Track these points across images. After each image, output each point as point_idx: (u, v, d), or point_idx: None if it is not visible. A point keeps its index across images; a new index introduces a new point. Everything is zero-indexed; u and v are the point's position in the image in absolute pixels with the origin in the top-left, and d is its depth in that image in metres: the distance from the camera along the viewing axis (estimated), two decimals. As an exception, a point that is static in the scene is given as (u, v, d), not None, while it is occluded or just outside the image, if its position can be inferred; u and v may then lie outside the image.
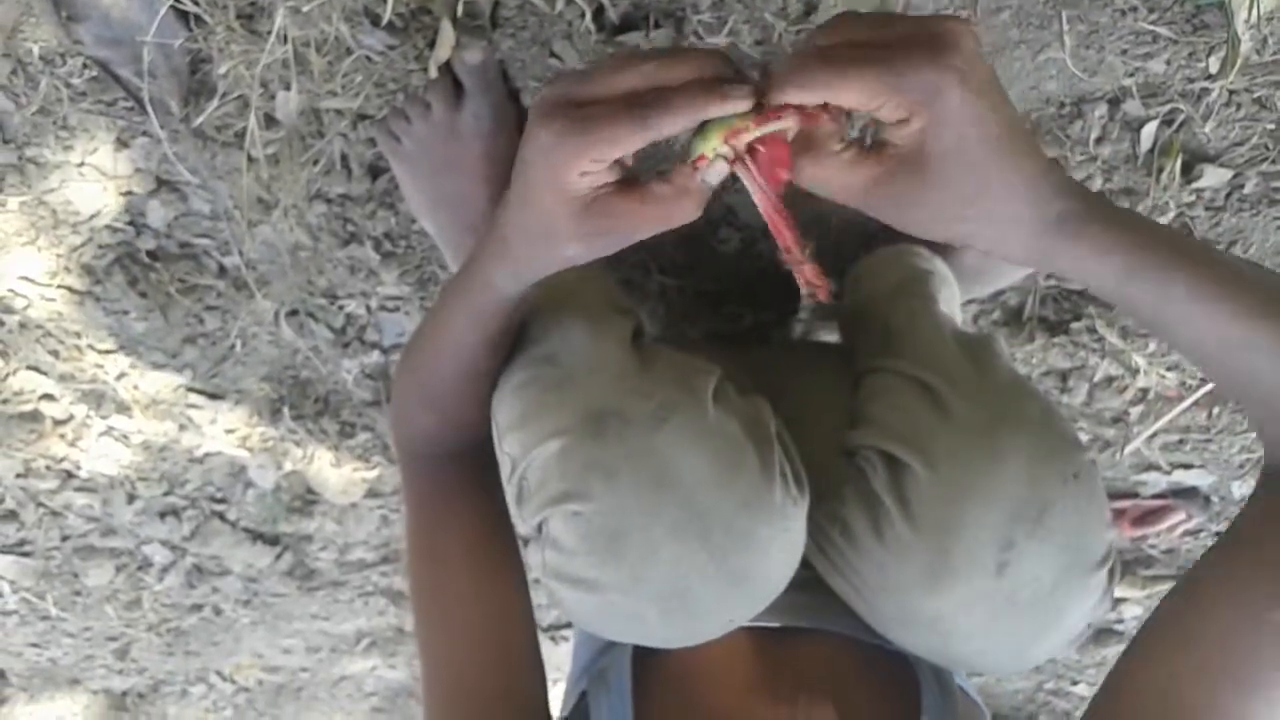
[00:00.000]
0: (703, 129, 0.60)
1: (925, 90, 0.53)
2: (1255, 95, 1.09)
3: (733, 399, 0.77)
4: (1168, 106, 1.10)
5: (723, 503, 0.70)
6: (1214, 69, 1.06)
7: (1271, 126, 1.12)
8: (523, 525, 0.76)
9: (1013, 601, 0.73)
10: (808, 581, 0.80)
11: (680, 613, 0.72)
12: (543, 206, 0.63)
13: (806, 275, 0.62)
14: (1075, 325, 1.35)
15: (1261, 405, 0.64)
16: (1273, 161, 1.15)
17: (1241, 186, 1.18)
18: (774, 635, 0.85)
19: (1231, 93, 1.09)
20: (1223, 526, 1.68)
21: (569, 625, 1.93)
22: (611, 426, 0.71)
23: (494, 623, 0.87)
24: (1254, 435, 1.50)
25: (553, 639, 1.98)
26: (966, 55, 0.53)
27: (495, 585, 0.89)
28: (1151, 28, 1.03)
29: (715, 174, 0.62)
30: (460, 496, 0.92)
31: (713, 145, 0.60)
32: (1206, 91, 1.09)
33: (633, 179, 0.63)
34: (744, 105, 0.57)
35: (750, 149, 0.60)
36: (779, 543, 0.72)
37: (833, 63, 0.54)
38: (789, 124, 0.59)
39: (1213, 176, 1.16)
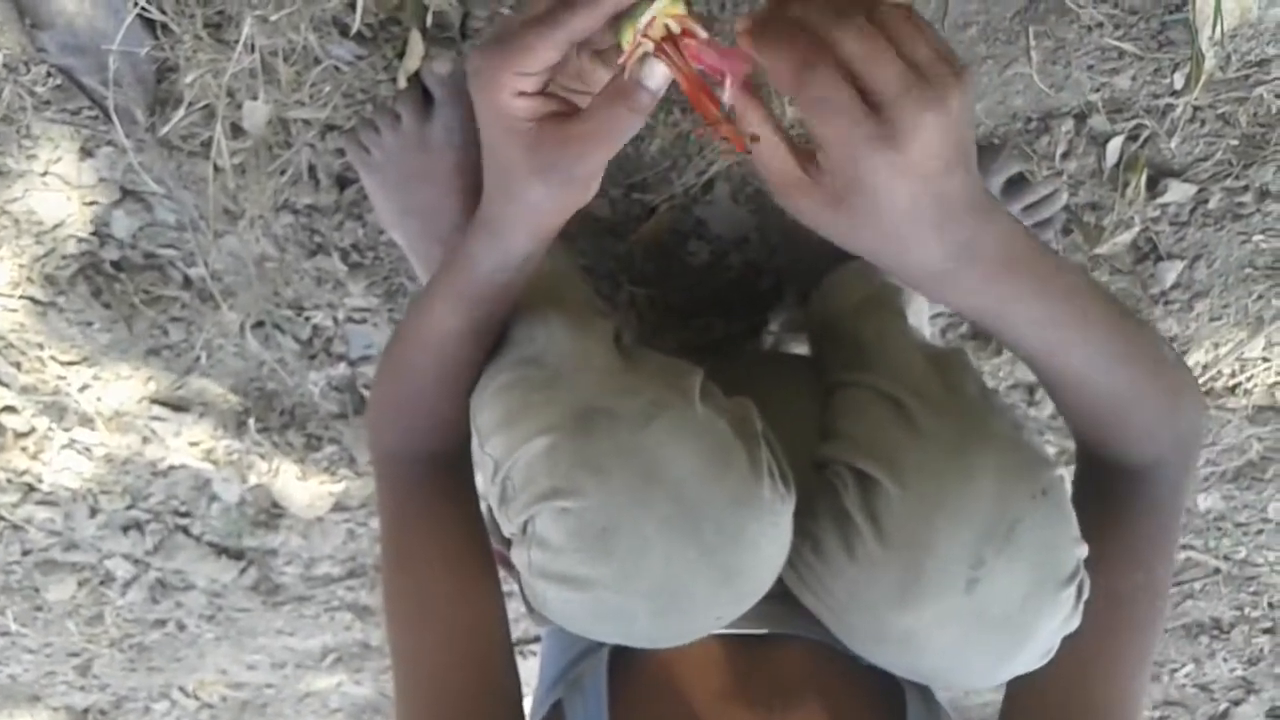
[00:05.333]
0: (618, 25, 0.60)
1: (860, 167, 0.53)
2: (1219, 111, 1.11)
3: (718, 398, 0.77)
4: (1133, 122, 1.11)
5: (713, 499, 0.70)
6: (1179, 85, 1.08)
7: (1235, 142, 1.13)
8: (507, 525, 0.76)
9: (983, 618, 0.73)
10: (780, 591, 0.80)
11: (669, 609, 0.71)
12: (497, 148, 0.65)
13: (723, 132, 0.61)
14: (1042, 339, 1.36)
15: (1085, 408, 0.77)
16: (1236, 177, 1.16)
17: (1206, 201, 1.19)
18: (750, 642, 0.85)
19: (1196, 108, 1.10)
20: (1188, 539, 1.69)
21: (536, 640, 1.92)
22: (600, 423, 0.71)
23: (473, 624, 0.86)
24: (1211, 447, 1.51)
25: (520, 654, 1.97)
26: (920, 147, 0.52)
27: (473, 588, 0.88)
28: (1117, 44, 1.04)
29: (649, 74, 0.61)
30: (437, 500, 0.92)
31: (627, 38, 0.60)
32: (1171, 107, 1.10)
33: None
34: None
35: (669, 38, 0.60)
36: (768, 538, 0.72)
37: (807, 77, 0.53)
38: (682, 10, 0.59)
39: (1177, 191, 1.17)
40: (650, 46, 0.60)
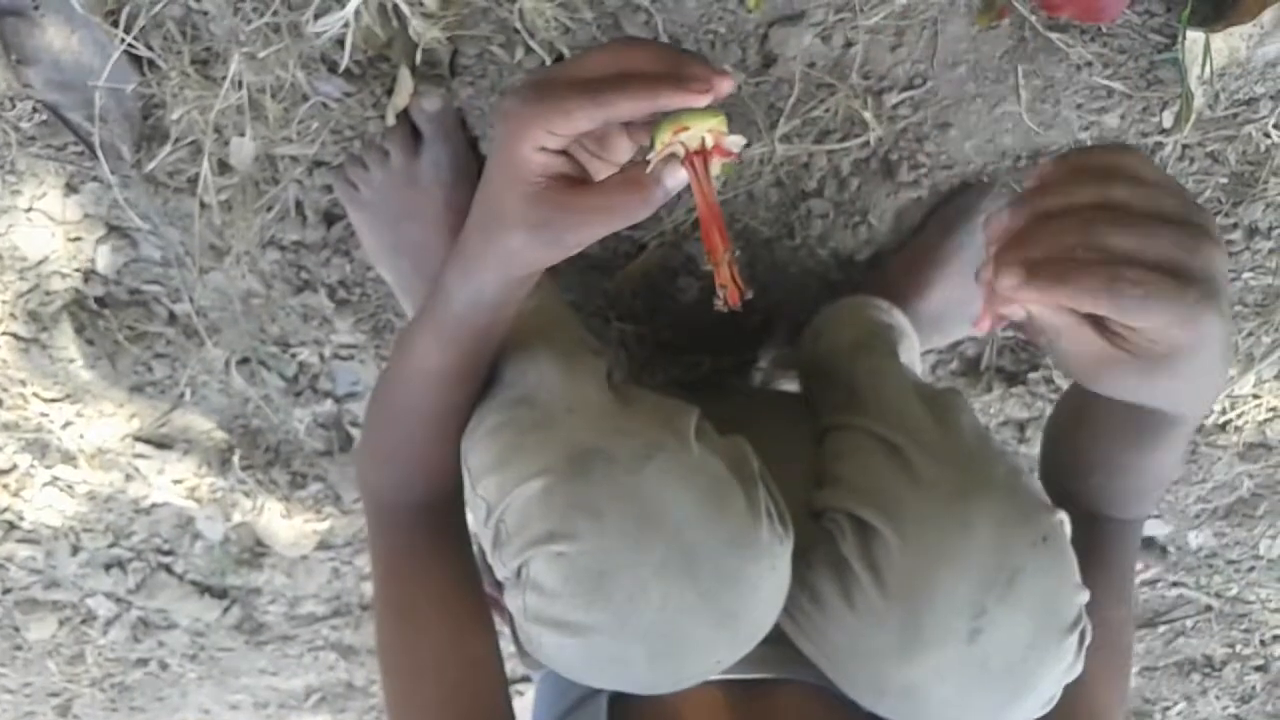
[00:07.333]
0: (659, 122, 0.61)
1: (1197, 329, 0.53)
2: (1208, 149, 1.11)
3: (714, 438, 0.76)
4: (1123, 160, 1.11)
5: (711, 541, 0.69)
6: (1168, 123, 1.08)
7: (1224, 180, 1.13)
8: (501, 569, 0.75)
9: (985, 669, 0.72)
10: (779, 635, 0.79)
11: (667, 655, 0.70)
12: (498, 186, 0.64)
13: (723, 276, 0.62)
14: (1032, 375, 1.35)
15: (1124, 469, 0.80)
16: (1225, 215, 1.16)
17: (1195, 239, 1.19)
18: (749, 687, 0.84)
19: (1185, 147, 1.10)
20: (1180, 576, 1.69)
21: (525, 679, 1.91)
22: (597, 465, 0.70)
23: (469, 676, 0.85)
24: (1202, 484, 1.51)
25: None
26: (1222, 285, 0.54)
27: (469, 639, 0.87)
28: (1106, 83, 1.04)
29: (670, 174, 0.61)
30: (431, 548, 0.91)
31: (664, 139, 0.60)
32: (1161, 145, 1.10)
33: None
34: (697, 101, 0.57)
35: (701, 152, 0.61)
36: (767, 580, 0.71)
37: (1115, 292, 0.51)
38: (723, 129, 0.60)
39: (1167, 229, 1.17)
40: (681, 152, 0.61)
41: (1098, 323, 0.55)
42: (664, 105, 0.58)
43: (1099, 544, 0.87)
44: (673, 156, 0.61)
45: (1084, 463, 0.84)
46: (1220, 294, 0.53)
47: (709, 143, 0.61)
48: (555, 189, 0.62)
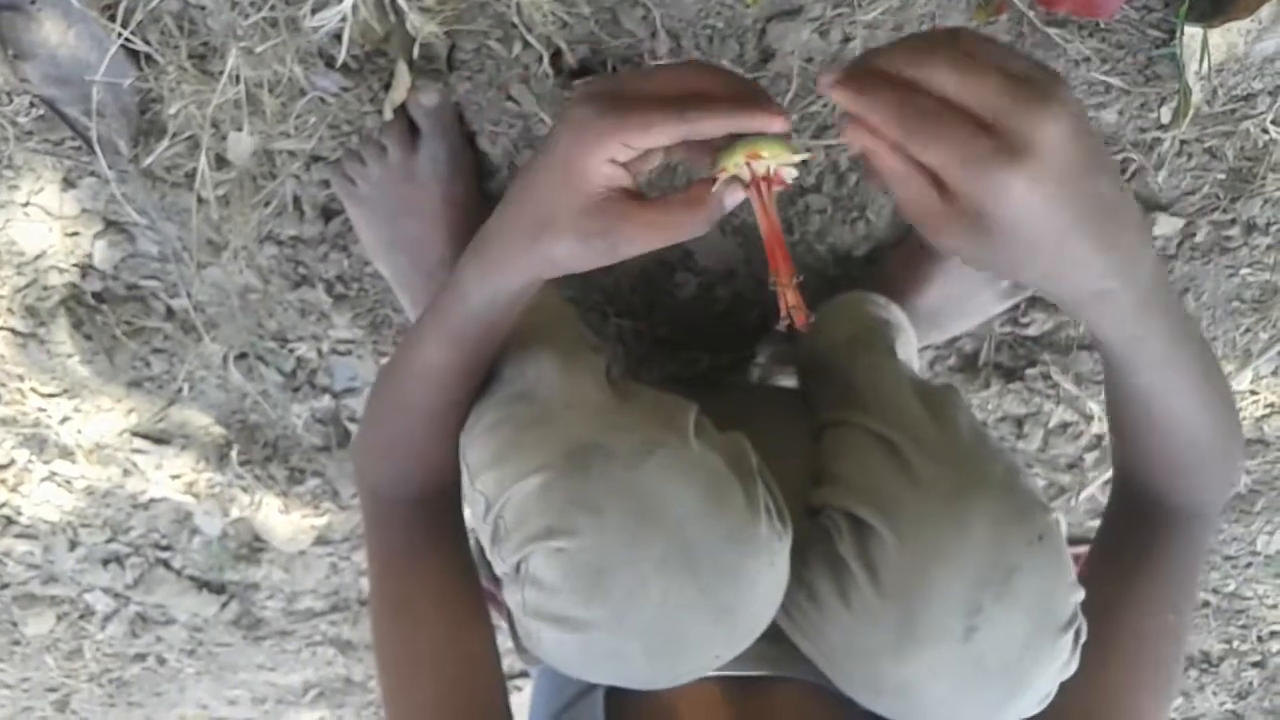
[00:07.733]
0: (729, 145, 0.62)
1: (990, 188, 0.51)
2: (1206, 145, 1.11)
3: (713, 434, 0.76)
4: (1121, 156, 1.11)
5: (710, 536, 0.69)
6: (1166, 119, 1.08)
7: (1222, 176, 1.13)
8: (499, 565, 0.75)
9: (981, 667, 0.72)
10: (777, 633, 0.79)
11: (666, 650, 0.70)
12: (550, 191, 0.65)
13: (790, 300, 0.64)
14: (1030, 372, 1.35)
15: (1177, 459, 0.80)
16: (1223, 210, 1.16)
17: (1193, 235, 1.19)
18: (746, 684, 0.84)
19: (1183, 142, 1.10)
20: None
21: (524, 674, 1.91)
22: (596, 461, 0.70)
23: (466, 670, 0.86)
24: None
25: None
26: (1046, 150, 0.50)
27: (466, 633, 0.87)
28: (1104, 78, 1.04)
29: (731, 194, 0.64)
30: (429, 544, 0.91)
31: (735, 161, 0.62)
32: (1159, 141, 1.10)
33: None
34: (778, 127, 0.60)
35: (766, 178, 0.63)
36: (765, 576, 0.71)
37: (906, 116, 0.52)
38: (792, 159, 0.63)
39: (1165, 225, 1.17)
40: (747, 175, 0.63)
41: (936, 178, 0.54)
42: (745, 126, 0.60)
43: (1155, 541, 0.87)
44: (735, 179, 0.63)
45: (1114, 427, 0.84)
46: (1039, 159, 0.50)
47: (773, 169, 0.63)
48: (615, 200, 0.63)
